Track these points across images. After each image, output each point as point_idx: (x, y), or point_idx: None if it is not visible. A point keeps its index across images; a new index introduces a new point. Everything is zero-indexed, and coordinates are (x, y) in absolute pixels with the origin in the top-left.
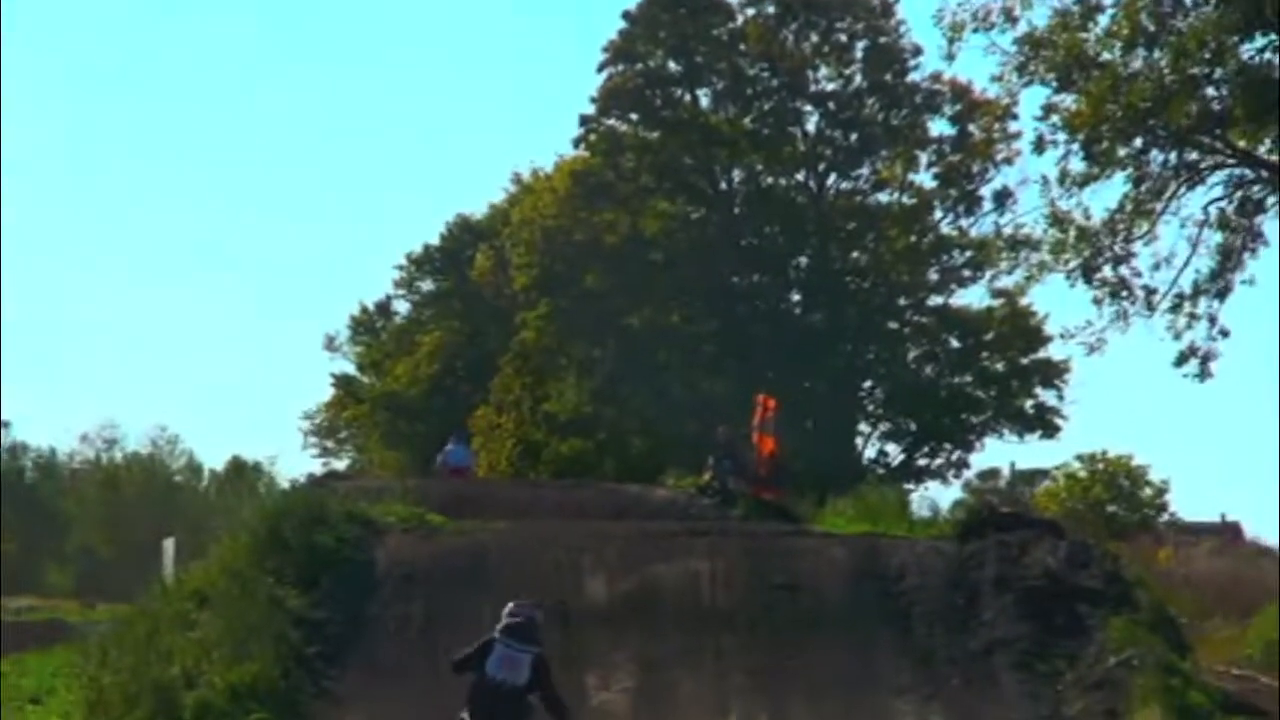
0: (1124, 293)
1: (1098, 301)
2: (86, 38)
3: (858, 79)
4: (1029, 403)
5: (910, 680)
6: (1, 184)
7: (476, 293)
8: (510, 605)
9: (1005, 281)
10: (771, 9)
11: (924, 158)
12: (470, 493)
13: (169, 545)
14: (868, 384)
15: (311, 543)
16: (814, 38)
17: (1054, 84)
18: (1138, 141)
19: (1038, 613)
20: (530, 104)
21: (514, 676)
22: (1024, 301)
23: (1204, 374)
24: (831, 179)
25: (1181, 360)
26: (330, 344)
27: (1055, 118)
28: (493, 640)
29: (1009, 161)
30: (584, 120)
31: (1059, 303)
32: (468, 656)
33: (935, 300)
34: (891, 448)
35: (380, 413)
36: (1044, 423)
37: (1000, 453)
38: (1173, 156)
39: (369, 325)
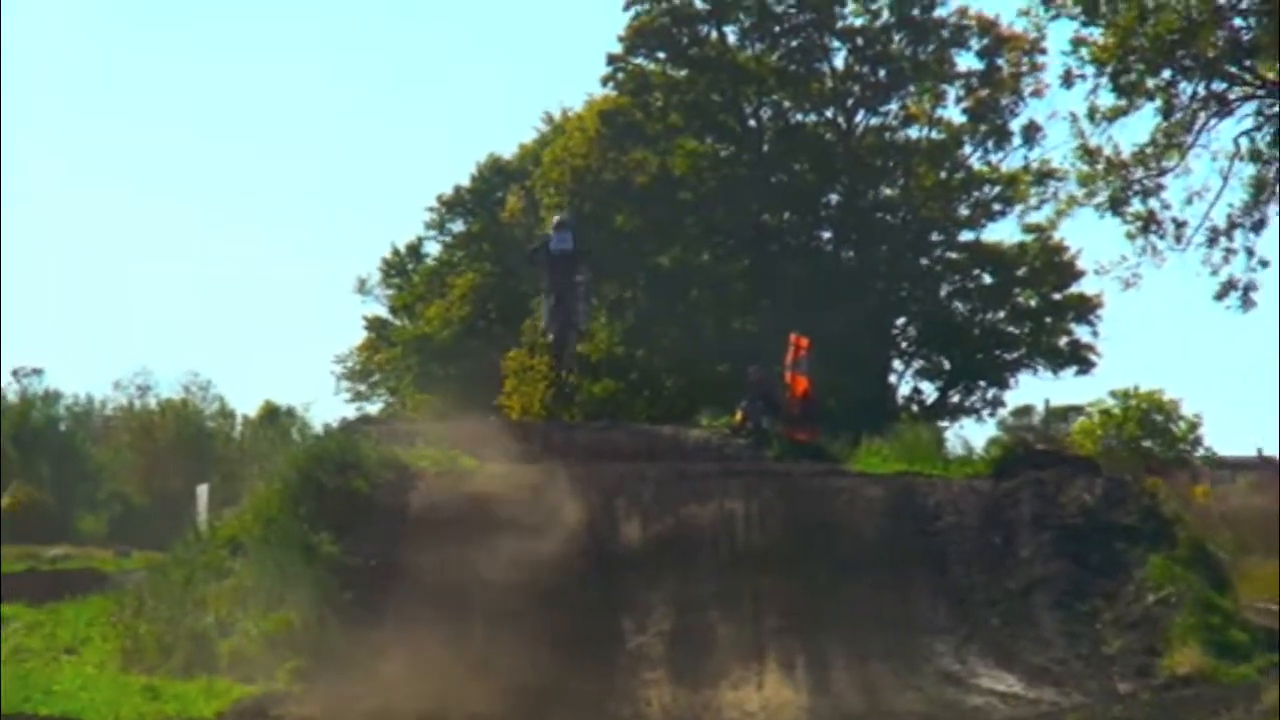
0: (1154, 226)
1: (1130, 236)
2: None
3: (885, 14)
4: (1063, 339)
5: (947, 620)
6: (26, 130)
7: (508, 234)
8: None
9: (1037, 216)
10: None
11: (952, 93)
12: (503, 435)
13: (203, 492)
14: (900, 321)
15: (345, 488)
16: None
17: (1081, 17)
18: (1166, 73)
19: (1075, 551)
20: (559, 43)
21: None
22: (1056, 236)
23: (1246, 305)
24: (860, 115)
25: (1222, 293)
26: (362, 287)
27: (1083, 51)
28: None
29: (1037, 95)
30: (612, 59)
31: (1092, 238)
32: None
33: (967, 236)
34: (926, 385)
35: (412, 356)
36: (1078, 359)
37: (1035, 389)
38: (1201, 88)
39: (400, 268)
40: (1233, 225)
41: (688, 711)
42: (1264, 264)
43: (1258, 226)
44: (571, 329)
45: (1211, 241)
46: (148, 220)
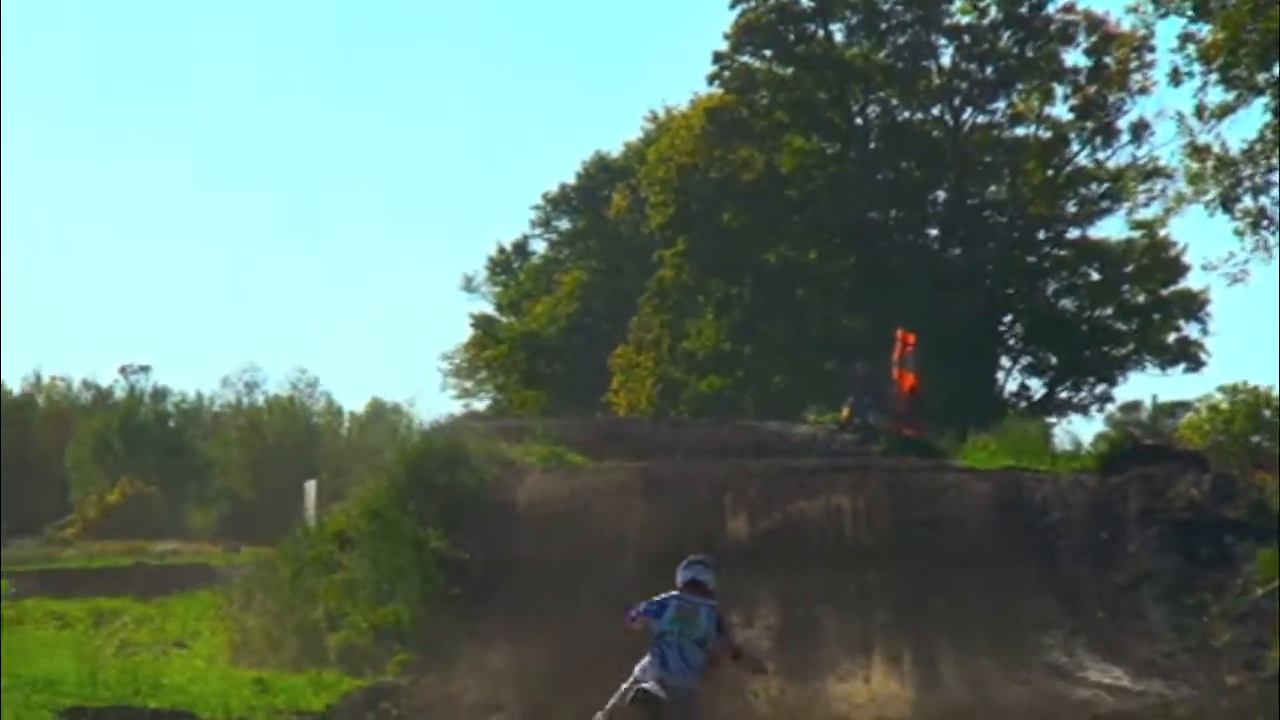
0: (1265, 222)
1: (1239, 233)
2: None
3: (993, 11)
4: (1171, 335)
5: (1055, 615)
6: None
7: (614, 231)
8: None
9: (1145, 213)
10: None
11: (1060, 90)
12: (611, 432)
13: (310, 488)
14: (1008, 318)
15: (453, 483)
16: None
17: (1190, 13)
18: (1276, 69)
19: (1183, 545)
20: (666, 42)
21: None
22: (1163, 233)
23: None
24: (967, 113)
25: None
26: (469, 284)
27: (1191, 48)
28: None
29: (1145, 92)
30: (718, 57)
31: (1199, 233)
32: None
33: (1074, 233)
34: (1033, 382)
35: (519, 352)
36: (1186, 355)
37: (1142, 385)
38: None
39: (506, 265)
40: None
41: (795, 705)
42: None
43: None
44: None
45: None
46: (258, 219)
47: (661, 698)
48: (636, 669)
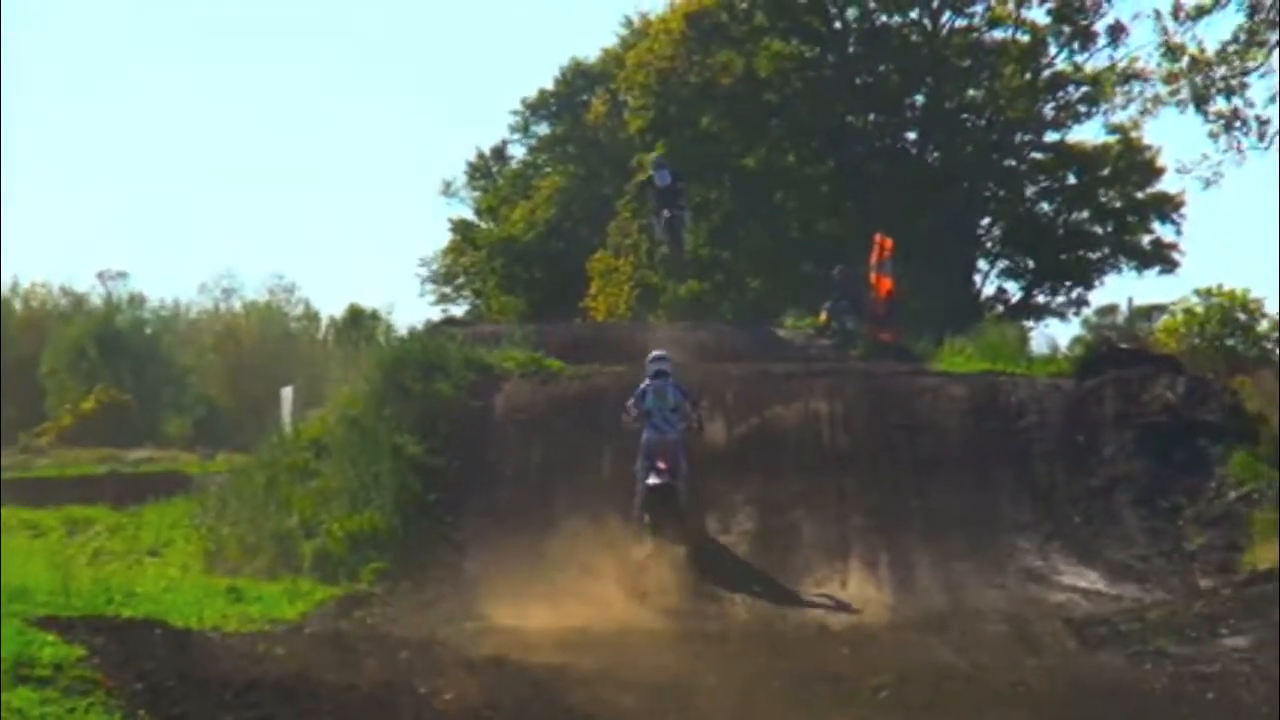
0: (1238, 124)
1: (1213, 135)
2: None
3: None
4: (1146, 238)
5: (1030, 518)
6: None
7: (592, 136)
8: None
9: (1120, 116)
10: None
11: None
12: (589, 337)
13: (287, 394)
14: (985, 221)
15: (430, 390)
16: None
17: None
18: None
19: (1157, 448)
20: None
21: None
22: (1139, 135)
23: None
24: (946, 16)
25: None
26: (447, 189)
27: None
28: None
29: None
30: None
31: (1175, 137)
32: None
33: (1051, 136)
34: (1010, 285)
35: (497, 258)
36: (1161, 257)
37: (1119, 289)
38: None
39: (485, 170)
40: None
41: (772, 610)
42: None
43: None
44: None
45: None
46: (233, 122)
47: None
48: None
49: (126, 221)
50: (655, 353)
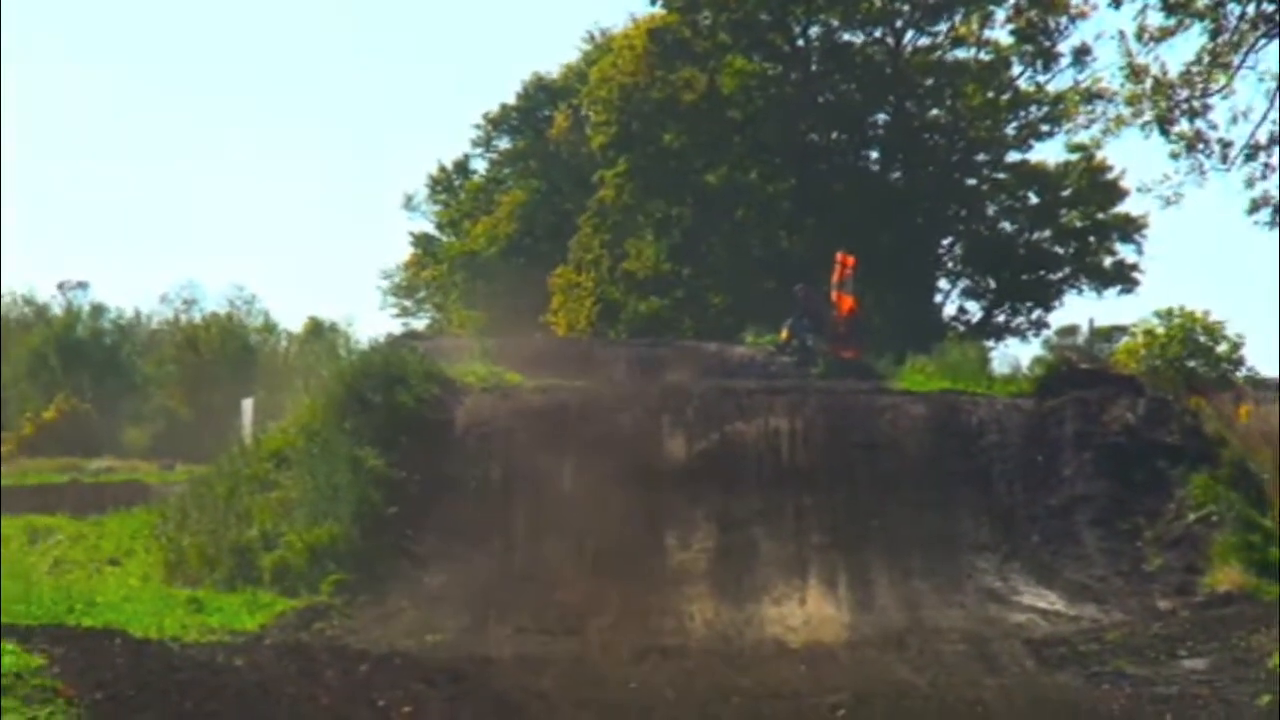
0: (1200, 145)
1: (1174, 155)
2: None
3: None
4: (1107, 258)
5: (989, 538)
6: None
7: (554, 152)
8: None
9: (1083, 136)
10: None
11: (1001, 13)
12: (550, 352)
13: (247, 406)
14: (947, 241)
15: (391, 403)
16: None
17: None
18: None
19: (1117, 469)
20: None
21: None
22: (1100, 156)
23: (1275, 223)
24: (909, 35)
25: (1254, 209)
26: (409, 203)
27: None
28: None
29: (1084, 16)
30: None
31: (1138, 160)
32: None
33: (1013, 156)
34: (971, 305)
35: (459, 272)
36: (1123, 278)
37: (1079, 309)
38: (1250, 8)
39: (447, 184)
40: (1272, 142)
41: (730, 627)
42: None
43: None
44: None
45: (1250, 157)
46: (196, 134)
47: None
48: None
49: (88, 232)
50: None
